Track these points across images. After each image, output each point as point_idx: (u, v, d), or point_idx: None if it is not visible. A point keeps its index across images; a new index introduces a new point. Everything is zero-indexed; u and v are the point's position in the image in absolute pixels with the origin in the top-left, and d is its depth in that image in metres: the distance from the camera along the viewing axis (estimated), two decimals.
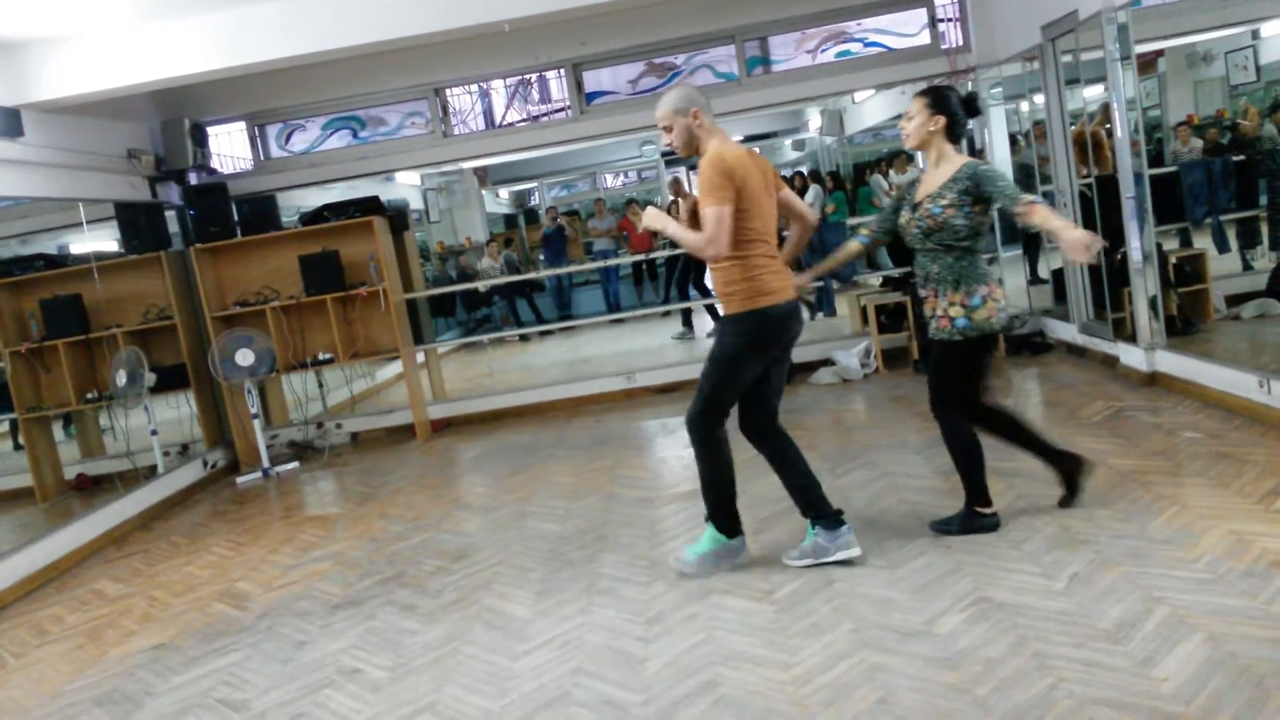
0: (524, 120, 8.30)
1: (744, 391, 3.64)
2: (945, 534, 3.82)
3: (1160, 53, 7.56)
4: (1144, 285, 5.60)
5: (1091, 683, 2.63)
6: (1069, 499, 3.91)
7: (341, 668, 3.55)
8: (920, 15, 7.48)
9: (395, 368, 8.87)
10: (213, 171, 7.76)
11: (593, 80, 7.69)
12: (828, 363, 7.30)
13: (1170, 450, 4.42)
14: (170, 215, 7.51)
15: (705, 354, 3.73)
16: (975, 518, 3.81)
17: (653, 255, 11.39)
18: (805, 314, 3.98)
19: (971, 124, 7.78)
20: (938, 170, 3.67)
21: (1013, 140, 7.69)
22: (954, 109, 3.66)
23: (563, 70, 7.67)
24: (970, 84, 7.48)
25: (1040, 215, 3.36)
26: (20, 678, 4.01)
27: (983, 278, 3.63)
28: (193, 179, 7.56)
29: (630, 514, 4.75)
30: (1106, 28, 5.40)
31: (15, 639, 4.51)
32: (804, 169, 13.50)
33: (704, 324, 10.41)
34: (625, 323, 11.93)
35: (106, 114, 6.70)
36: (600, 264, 12.08)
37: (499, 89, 8.45)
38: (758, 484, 4.83)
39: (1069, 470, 3.89)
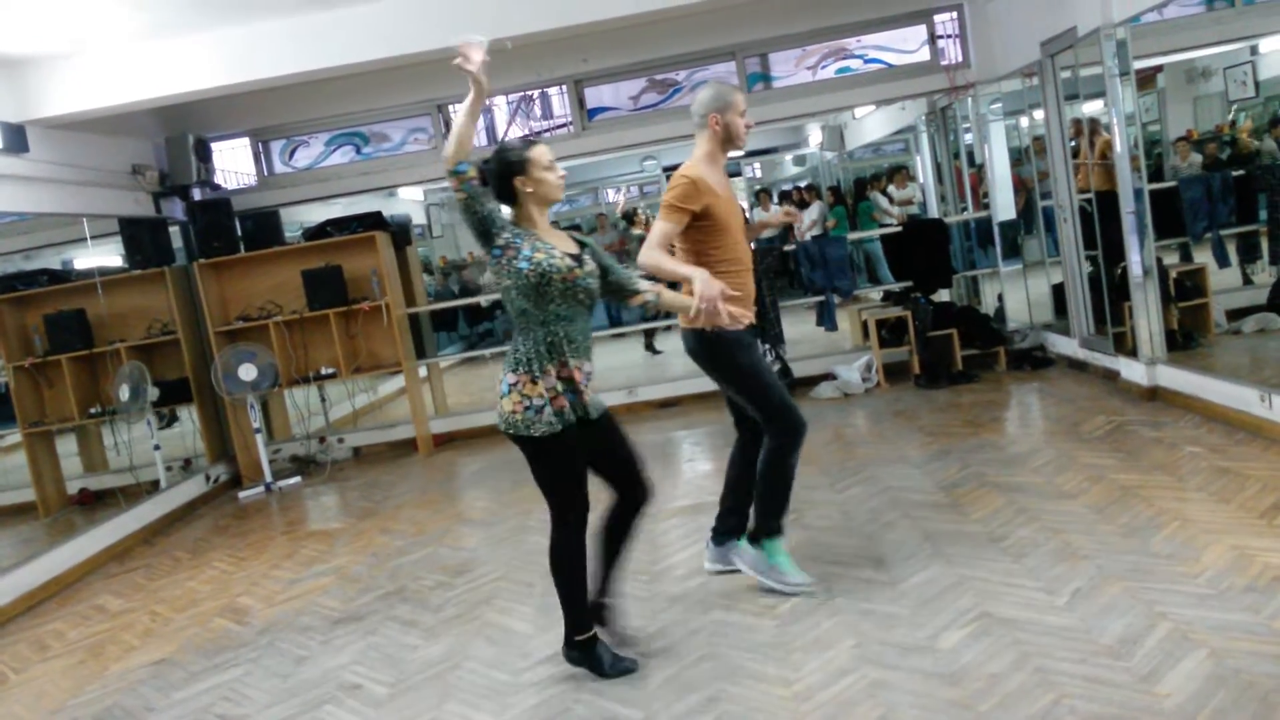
0: (526, 136, 8.34)
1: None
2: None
3: (1159, 68, 7.58)
4: (1144, 300, 5.61)
5: (1094, 699, 2.62)
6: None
7: (342, 683, 3.55)
8: (920, 32, 7.52)
9: (397, 382, 8.87)
10: (216, 187, 7.78)
11: (594, 96, 7.73)
12: (829, 377, 7.30)
13: (1172, 465, 4.42)
14: (174, 230, 7.54)
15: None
16: (572, 647, 3.26)
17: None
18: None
19: (970, 138, 7.89)
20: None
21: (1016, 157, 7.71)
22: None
23: (564, 86, 7.71)
24: (970, 100, 7.52)
25: None
26: (21, 693, 4.00)
27: (516, 363, 3.05)
28: (196, 194, 7.59)
29: None
30: (1105, 44, 5.43)
31: (16, 654, 4.50)
32: (804, 183, 13.55)
33: None
34: (626, 337, 11.92)
35: (111, 130, 6.74)
36: None
37: (501, 105, 8.49)
38: None
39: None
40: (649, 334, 10.77)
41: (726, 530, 3.83)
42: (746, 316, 3.48)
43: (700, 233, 3.48)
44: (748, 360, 3.54)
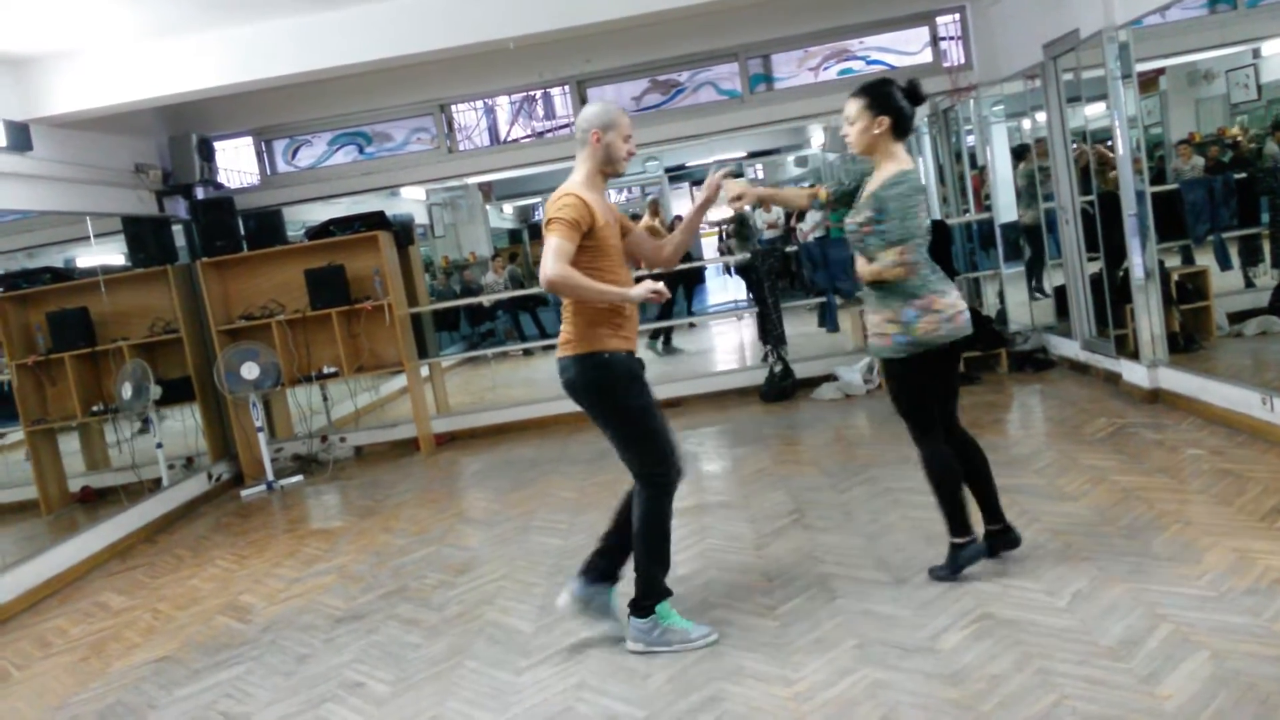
0: (528, 136, 8.35)
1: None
2: (944, 580, 3.53)
3: (1161, 71, 7.58)
4: (1146, 302, 5.62)
5: (1094, 700, 2.63)
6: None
7: (344, 681, 3.55)
8: (922, 33, 7.53)
9: (399, 382, 8.88)
10: (219, 186, 7.79)
11: (597, 96, 7.73)
12: (830, 378, 7.31)
13: (1173, 467, 4.43)
14: (177, 229, 7.55)
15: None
16: (955, 550, 3.54)
17: (655, 270, 11.36)
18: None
19: (972, 140, 7.89)
20: (878, 174, 3.43)
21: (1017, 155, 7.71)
22: (897, 104, 3.33)
23: (567, 87, 7.72)
24: (972, 102, 7.53)
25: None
26: (24, 690, 4.01)
27: (915, 291, 3.35)
28: (199, 193, 7.60)
29: None
30: (1108, 46, 5.44)
31: (19, 651, 4.51)
32: (806, 184, 13.55)
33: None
34: None
35: (114, 129, 6.75)
36: None
37: (504, 105, 8.50)
38: (758, 500, 4.85)
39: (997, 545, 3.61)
40: (667, 332, 10.51)
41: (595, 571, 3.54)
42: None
43: (584, 254, 3.23)
44: (634, 399, 3.31)
